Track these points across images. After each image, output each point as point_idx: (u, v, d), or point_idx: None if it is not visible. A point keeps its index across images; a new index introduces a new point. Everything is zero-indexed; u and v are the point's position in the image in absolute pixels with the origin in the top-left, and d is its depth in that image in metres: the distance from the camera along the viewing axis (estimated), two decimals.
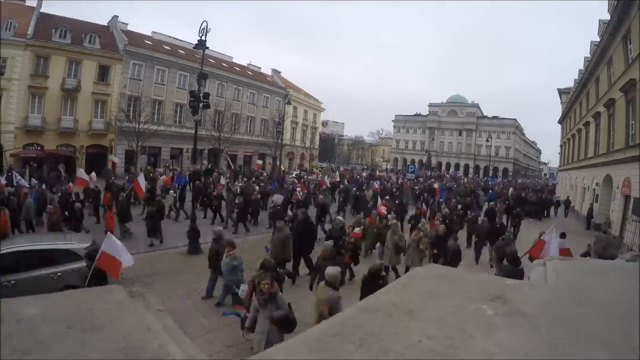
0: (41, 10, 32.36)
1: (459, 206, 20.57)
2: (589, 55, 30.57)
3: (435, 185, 31.52)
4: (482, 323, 1.53)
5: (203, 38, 15.03)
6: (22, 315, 1.44)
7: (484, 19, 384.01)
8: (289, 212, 17.92)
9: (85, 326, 1.41)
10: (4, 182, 17.98)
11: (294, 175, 39.37)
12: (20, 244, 9.10)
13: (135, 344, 1.32)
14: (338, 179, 33.66)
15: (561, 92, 46.84)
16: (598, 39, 26.09)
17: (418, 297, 1.85)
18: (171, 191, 20.24)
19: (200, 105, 15.39)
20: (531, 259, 9.26)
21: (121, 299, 1.71)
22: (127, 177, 24.62)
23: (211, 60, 41.71)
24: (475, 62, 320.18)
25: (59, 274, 8.40)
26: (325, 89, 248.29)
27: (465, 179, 55.69)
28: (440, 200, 25.09)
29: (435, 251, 11.89)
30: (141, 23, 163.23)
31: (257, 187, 22.10)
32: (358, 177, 39.43)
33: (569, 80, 41.86)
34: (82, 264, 8.69)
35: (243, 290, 7.80)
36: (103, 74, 33.36)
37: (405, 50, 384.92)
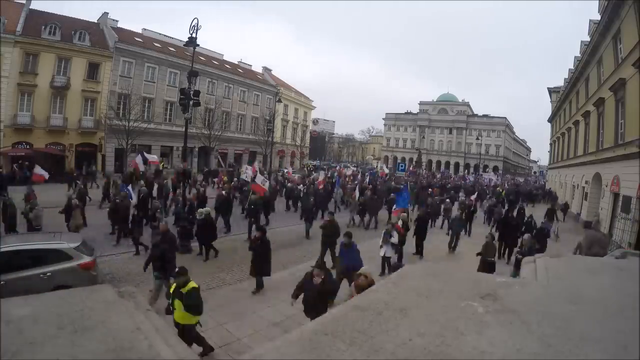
0: (30, 7, 31.97)
1: None
2: (579, 55, 30.78)
3: None
4: (473, 320, 1.54)
5: (194, 35, 14.97)
6: (12, 316, 1.43)
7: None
8: None
9: (76, 327, 1.40)
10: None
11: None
12: (11, 243, 9.00)
13: (124, 344, 1.31)
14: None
15: (551, 91, 47.13)
16: (588, 39, 26.27)
17: (409, 295, 1.86)
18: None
19: (191, 103, 15.32)
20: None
21: (111, 299, 1.71)
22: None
23: (202, 58, 41.52)
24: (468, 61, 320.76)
25: (49, 274, 8.32)
26: (316, 83, 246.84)
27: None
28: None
29: None
30: (132, 20, 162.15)
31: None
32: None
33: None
34: (73, 263, 8.64)
35: None
36: (93, 71, 32.96)
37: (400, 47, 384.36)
